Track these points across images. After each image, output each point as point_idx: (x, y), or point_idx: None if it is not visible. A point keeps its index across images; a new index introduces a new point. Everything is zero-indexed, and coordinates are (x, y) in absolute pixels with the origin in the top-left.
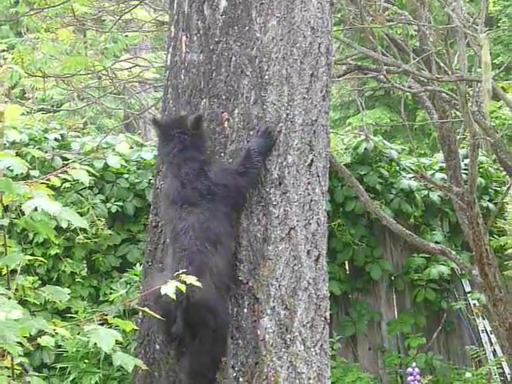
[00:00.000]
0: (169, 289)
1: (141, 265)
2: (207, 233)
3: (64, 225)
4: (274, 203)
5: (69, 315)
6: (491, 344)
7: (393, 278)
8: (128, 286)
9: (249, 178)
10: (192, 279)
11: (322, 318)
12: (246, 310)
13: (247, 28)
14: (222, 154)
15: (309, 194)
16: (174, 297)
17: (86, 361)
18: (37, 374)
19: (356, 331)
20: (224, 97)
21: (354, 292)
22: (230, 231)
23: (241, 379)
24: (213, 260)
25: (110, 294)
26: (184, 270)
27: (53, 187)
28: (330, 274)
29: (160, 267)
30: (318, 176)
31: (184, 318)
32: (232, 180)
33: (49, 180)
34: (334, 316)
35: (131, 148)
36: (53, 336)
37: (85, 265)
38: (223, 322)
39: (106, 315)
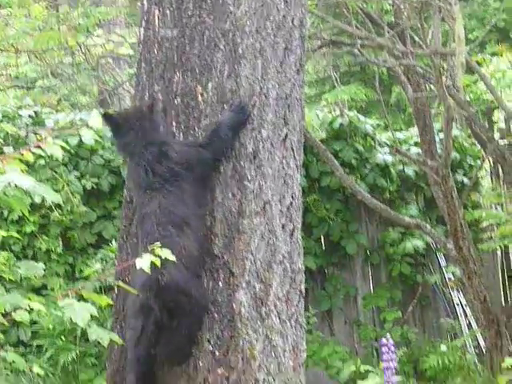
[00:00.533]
0: (144, 262)
1: (116, 241)
2: (171, 217)
3: (38, 200)
4: (249, 177)
5: (44, 292)
6: (466, 317)
7: (368, 252)
8: (104, 262)
9: (213, 149)
10: (165, 253)
11: (297, 292)
12: (221, 284)
13: (220, 1)
14: (196, 129)
15: (283, 168)
16: (148, 271)
17: (63, 338)
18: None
19: (332, 305)
20: (198, 71)
21: (330, 267)
22: (199, 211)
23: (217, 353)
24: (179, 243)
25: (88, 274)
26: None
27: (27, 164)
28: (306, 249)
29: (135, 242)
30: (293, 150)
31: (158, 302)
32: (195, 153)
33: (22, 155)
34: (310, 291)
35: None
36: (28, 312)
37: (60, 242)
38: (198, 302)
39: (81, 289)
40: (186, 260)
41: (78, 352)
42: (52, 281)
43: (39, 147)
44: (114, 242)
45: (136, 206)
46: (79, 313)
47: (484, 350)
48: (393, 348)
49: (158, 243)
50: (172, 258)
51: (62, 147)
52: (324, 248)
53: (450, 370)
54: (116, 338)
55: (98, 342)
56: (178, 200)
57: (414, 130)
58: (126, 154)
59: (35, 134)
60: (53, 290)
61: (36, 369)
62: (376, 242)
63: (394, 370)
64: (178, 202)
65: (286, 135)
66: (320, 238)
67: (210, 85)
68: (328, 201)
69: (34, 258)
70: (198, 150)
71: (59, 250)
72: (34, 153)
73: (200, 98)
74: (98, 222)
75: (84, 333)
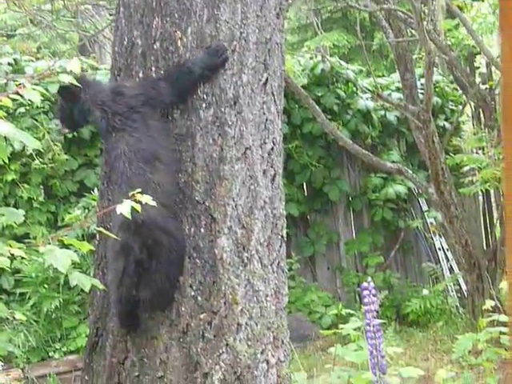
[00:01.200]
0: (124, 208)
1: (98, 189)
2: (140, 154)
3: (18, 147)
4: (230, 123)
5: (27, 241)
6: (448, 261)
7: (350, 198)
8: (86, 210)
9: (174, 83)
10: (142, 197)
11: (279, 237)
12: (203, 230)
13: None
14: None
15: (264, 114)
16: (129, 216)
17: (46, 286)
18: None
19: (314, 252)
20: (177, 15)
21: (312, 213)
22: (170, 144)
23: (199, 298)
24: (153, 179)
25: (69, 219)
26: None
27: (7, 113)
28: (288, 196)
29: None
30: (273, 95)
31: (137, 241)
32: (151, 85)
33: (1, 101)
34: (293, 237)
35: (86, 72)
36: (9, 259)
37: (42, 190)
38: (177, 239)
39: (63, 237)
40: (162, 196)
41: (61, 300)
42: (34, 229)
43: (18, 93)
44: (95, 190)
45: (107, 151)
46: (60, 259)
47: (466, 294)
48: (374, 291)
49: (134, 183)
50: (149, 199)
51: (42, 94)
52: (306, 195)
53: (431, 313)
54: (97, 283)
55: (81, 290)
56: (144, 136)
57: (396, 76)
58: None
59: (15, 81)
60: (35, 238)
61: (19, 315)
62: (358, 188)
63: (375, 313)
64: (145, 138)
65: (267, 80)
66: (302, 185)
67: (189, 29)
68: (310, 147)
69: (16, 207)
70: (156, 82)
71: (41, 198)
72: (13, 99)
73: (179, 42)
74: (79, 170)
75: (67, 281)
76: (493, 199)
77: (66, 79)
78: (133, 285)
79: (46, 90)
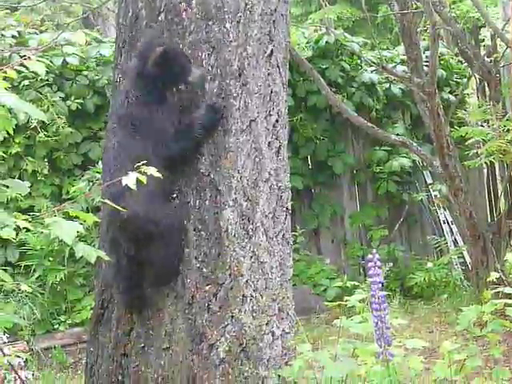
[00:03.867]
0: (129, 180)
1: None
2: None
3: (23, 119)
4: (234, 95)
5: (32, 214)
6: (452, 234)
7: (355, 171)
8: (90, 183)
9: (181, 148)
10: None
11: (284, 209)
12: (207, 202)
13: None
14: (181, 46)
15: (269, 86)
16: (134, 187)
17: (51, 258)
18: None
19: (319, 225)
20: None
21: (317, 186)
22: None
23: (204, 270)
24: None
25: (74, 192)
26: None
27: (12, 85)
28: (293, 169)
29: None
30: (278, 67)
31: (123, 236)
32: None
33: (5, 72)
34: (297, 210)
35: (90, 45)
36: (15, 230)
37: (46, 163)
38: (167, 226)
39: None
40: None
41: (66, 272)
42: (39, 202)
43: (23, 65)
44: (100, 162)
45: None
46: (66, 230)
47: (470, 267)
48: (379, 263)
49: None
50: (154, 171)
51: (47, 66)
52: (311, 168)
53: (436, 286)
54: (103, 254)
55: (86, 263)
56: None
57: (401, 48)
58: None
59: (19, 54)
60: (40, 211)
61: (24, 287)
62: (362, 161)
63: (380, 285)
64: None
65: (272, 52)
66: (307, 158)
67: (194, 1)
68: (314, 120)
69: (20, 180)
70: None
71: (45, 171)
72: (18, 71)
73: (184, 14)
74: (83, 143)
75: (72, 253)
76: (497, 172)
77: (71, 51)
78: (129, 275)
79: (51, 63)
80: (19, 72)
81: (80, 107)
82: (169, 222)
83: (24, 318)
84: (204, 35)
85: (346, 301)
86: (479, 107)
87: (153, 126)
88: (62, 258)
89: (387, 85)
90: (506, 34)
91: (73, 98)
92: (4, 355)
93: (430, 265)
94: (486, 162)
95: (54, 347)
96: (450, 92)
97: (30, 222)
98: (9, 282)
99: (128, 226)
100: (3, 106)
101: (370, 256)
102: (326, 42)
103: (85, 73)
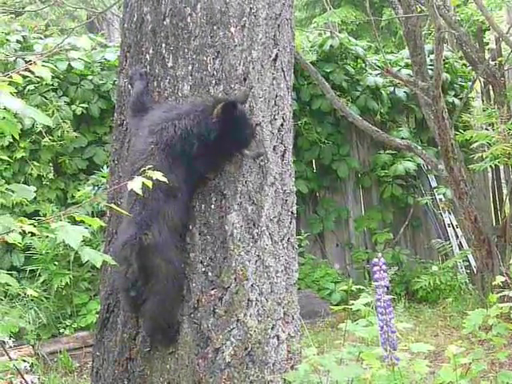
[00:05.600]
0: (135, 184)
1: (108, 166)
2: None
3: (28, 123)
4: None
5: (37, 218)
6: (457, 237)
7: (359, 175)
8: (95, 188)
9: None
10: (157, 174)
11: (289, 213)
12: (213, 206)
13: None
14: (186, 50)
15: (274, 90)
16: (140, 192)
17: (56, 263)
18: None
19: (324, 228)
20: None
21: (322, 190)
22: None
23: (210, 274)
24: (165, 207)
25: (79, 197)
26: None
27: (17, 90)
28: (298, 173)
29: (125, 165)
30: (283, 71)
31: (138, 261)
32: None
33: (10, 77)
34: (302, 214)
35: (94, 49)
36: (21, 235)
37: (51, 168)
38: (176, 269)
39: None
40: (170, 224)
41: (71, 277)
42: (44, 206)
43: (28, 70)
44: (105, 167)
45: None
46: (72, 234)
47: (475, 270)
48: (384, 267)
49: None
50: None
51: (52, 71)
52: (315, 171)
53: (441, 290)
54: (109, 259)
55: (92, 267)
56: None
57: (405, 52)
58: None
59: (24, 59)
60: (45, 215)
61: (30, 291)
62: (367, 165)
63: (385, 289)
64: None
65: (277, 56)
66: (311, 162)
67: (198, 5)
68: (319, 124)
69: (26, 184)
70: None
71: (51, 175)
72: (23, 76)
73: (189, 18)
74: (88, 147)
75: (77, 258)
76: (502, 175)
77: (76, 57)
78: (136, 288)
79: (56, 67)
80: (24, 77)
81: (85, 112)
82: (179, 267)
83: (29, 323)
84: (209, 39)
85: (351, 304)
86: (484, 111)
87: None
88: (68, 263)
89: (392, 88)
90: (511, 38)
91: (78, 103)
92: (10, 359)
93: (435, 268)
94: (490, 166)
95: (60, 351)
96: (455, 95)
97: (35, 226)
98: (14, 286)
99: (145, 254)
100: (9, 111)
101: (375, 260)
102: (331, 46)
103: (90, 77)
